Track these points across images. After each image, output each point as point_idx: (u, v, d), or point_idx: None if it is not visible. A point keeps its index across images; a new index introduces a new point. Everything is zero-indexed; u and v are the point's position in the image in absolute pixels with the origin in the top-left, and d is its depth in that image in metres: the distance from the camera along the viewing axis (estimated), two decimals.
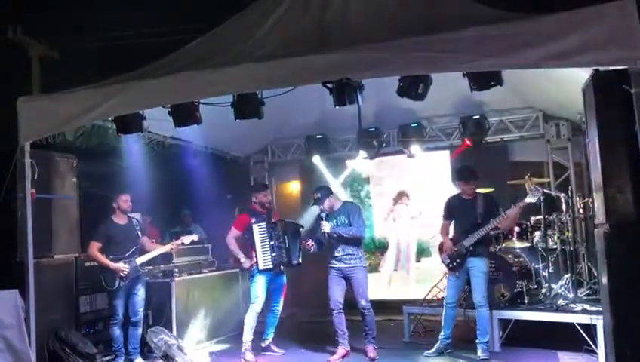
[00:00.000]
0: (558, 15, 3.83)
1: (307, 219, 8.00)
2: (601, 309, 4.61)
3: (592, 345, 5.27)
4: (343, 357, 5.77)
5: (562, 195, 6.63)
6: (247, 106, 4.93)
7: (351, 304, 5.88)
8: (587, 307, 5.66)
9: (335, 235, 5.73)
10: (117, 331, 5.73)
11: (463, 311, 6.01)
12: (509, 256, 6.51)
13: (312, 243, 5.88)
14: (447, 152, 8.20)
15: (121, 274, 5.65)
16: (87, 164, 6.38)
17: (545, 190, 6.32)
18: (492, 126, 7.66)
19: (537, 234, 6.52)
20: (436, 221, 6.38)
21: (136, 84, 4.81)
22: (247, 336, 5.98)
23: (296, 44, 4.63)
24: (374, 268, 8.66)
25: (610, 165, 3.87)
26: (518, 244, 6.49)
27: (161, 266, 6.62)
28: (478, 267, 5.51)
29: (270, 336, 6.25)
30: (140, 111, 5.15)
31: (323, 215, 5.82)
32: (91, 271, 5.95)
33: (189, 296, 6.66)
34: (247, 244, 6.15)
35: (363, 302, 5.73)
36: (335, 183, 8.52)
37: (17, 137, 5.00)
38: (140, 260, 5.83)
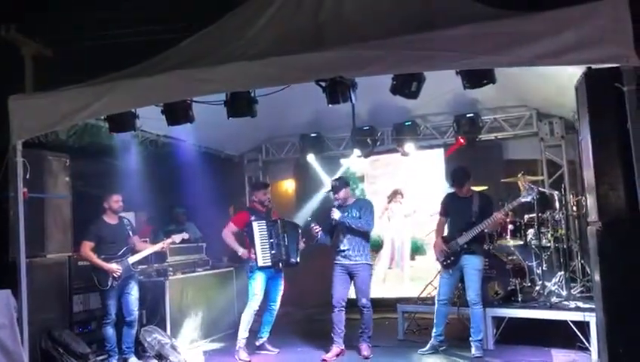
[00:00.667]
0: (551, 13, 3.84)
1: (312, 206, 8.06)
2: (594, 306, 4.63)
3: (585, 342, 5.29)
4: (337, 355, 5.77)
5: (556, 193, 6.66)
6: (240, 105, 4.91)
7: (350, 303, 5.88)
8: (580, 304, 5.69)
9: (344, 224, 5.72)
10: (110, 331, 5.72)
11: (456, 308, 6.03)
12: (503, 253, 6.53)
13: (319, 228, 5.83)
14: (441, 150, 8.21)
15: (114, 274, 5.64)
16: (80, 162, 6.35)
17: (539, 188, 6.34)
18: (486, 124, 7.69)
19: (531, 231, 6.54)
20: (430, 219, 6.40)
21: (128, 82, 4.79)
22: (243, 333, 5.98)
23: (290, 42, 4.62)
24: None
25: (603, 163, 3.88)
26: (511, 242, 6.50)
27: (155, 265, 6.60)
28: (473, 264, 5.52)
29: (265, 335, 6.24)
30: (133, 110, 5.13)
31: (336, 203, 5.82)
32: (84, 271, 5.93)
33: (183, 294, 6.65)
34: (246, 242, 6.14)
35: (364, 301, 5.73)
36: (329, 182, 8.51)
37: (9, 136, 4.97)
38: (131, 260, 5.81)
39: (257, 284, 6.00)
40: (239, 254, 6.14)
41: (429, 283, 6.94)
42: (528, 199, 5.55)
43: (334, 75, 4.33)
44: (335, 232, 5.85)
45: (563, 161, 7.49)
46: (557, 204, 6.58)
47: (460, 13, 4.37)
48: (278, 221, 6.17)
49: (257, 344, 6.21)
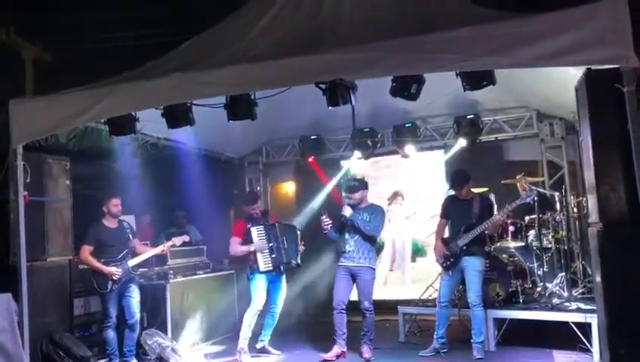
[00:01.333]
0: (550, 14, 3.85)
1: (313, 208, 8.09)
2: (595, 308, 4.63)
3: (587, 344, 5.28)
4: (337, 356, 5.75)
5: (556, 194, 6.65)
6: (240, 107, 4.91)
7: (352, 305, 5.86)
8: (582, 306, 5.67)
9: (353, 223, 5.70)
10: (111, 334, 5.71)
11: (457, 310, 6.02)
12: (504, 255, 6.52)
13: (329, 221, 5.80)
14: (441, 152, 8.20)
15: (114, 277, 5.63)
16: (80, 165, 6.33)
17: (539, 189, 6.34)
18: (486, 125, 7.68)
19: (532, 233, 6.53)
20: (431, 221, 6.39)
21: (128, 85, 4.80)
22: (245, 333, 5.95)
23: (290, 44, 4.62)
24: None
25: (603, 164, 3.89)
26: (512, 244, 6.49)
27: (156, 268, 6.59)
28: (474, 266, 5.52)
29: (266, 338, 6.22)
30: (133, 113, 5.13)
31: (350, 202, 5.80)
32: (85, 274, 5.92)
33: (183, 297, 6.64)
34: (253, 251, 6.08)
35: (366, 304, 5.71)
36: (330, 183, 8.53)
37: (9, 139, 4.97)
38: (131, 263, 5.80)
39: (259, 286, 5.98)
40: (251, 250, 5.95)
41: (430, 284, 6.94)
42: (528, 200, 5.56)
43: (334, 78, 4.33)
44: (342, 232, 5.84)
45: (563, 162, 7.48)
46: (558, 205, 6.57)
47: (459, 15, 4.38)
48: (276, 224, 6.16)
49: (258, 347, 6.19)
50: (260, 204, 6.46)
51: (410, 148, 7.79)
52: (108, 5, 9.73)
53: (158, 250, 6.05)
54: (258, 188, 9.10)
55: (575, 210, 6.98)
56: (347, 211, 5.72)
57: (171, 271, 6.62)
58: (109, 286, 5.65)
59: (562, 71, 4.32)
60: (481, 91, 4.71)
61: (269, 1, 5.14)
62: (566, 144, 7.44)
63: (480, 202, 5.61)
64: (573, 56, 3.77)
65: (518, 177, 6.35)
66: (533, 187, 5.86)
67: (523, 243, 6.51)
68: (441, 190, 7.87)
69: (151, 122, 5.41)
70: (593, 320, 5.07)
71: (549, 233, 6.47)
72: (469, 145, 7.45)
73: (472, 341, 5.51)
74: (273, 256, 5.99)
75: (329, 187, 8.47)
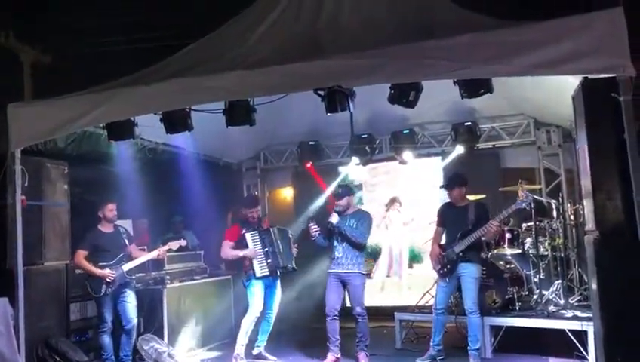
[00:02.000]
0: (548, 23, 3.88)
1: (310, 213, 8.04)
2: (591, 315, 4.64)
3: (583, 352, 5.28)
4: None
5: (553, 202, 6.67)
6: (238, 113, 4.92)
7: (345, 311, 5.88)
8: (578, 313, 5.68)
9: (339, 231, 5.73)
10: (106, 339, 5.69)
11: (454, 317, 6.02)
12: (500, 262, 6.54)
13: (317, 228, 5.83)
14: (439, 159, 8.22)
15: (107, 280, 5.62)
16: (79, 170, 6.34)
17: (536, 196, 6.36)
18: (484, 133, 7.70)
19: (528, 240, 6.54)
20: (429, 227, 6.40)
21: (127, 90, 4.80)
22: (242, 339, 5.94)
23: (289, 50, 4.64)
24: (367, 275, 8.63)
25: (600, 172, 3.91)
26: (509, 251, 6.50)
27: (153, 273, 6.58)
28: (470, 273, 5.52)
29: (262, 344, 6.20)
30: (132, 118, 5.14)
31: (337, 209, 5.82)
32: (82, 279, 5.90)
33: (180, 302, 6.63)
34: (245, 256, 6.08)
35: (359, 309, 5.72)
36: (328, 189, 8.53)
37: (8, 143, 4.97)
38: (126, 267, 5.78)
39: (257, 292, 5.98)
40: (244, 254, 5.96)
41: (427, 291, 6.94)
42: (523, 206, 5.57)
43: (333, 84, 4.35)
44: (331, 239, 5.85)
45: (560, 170, 7.51)
46: (554, 213, 6.58)
47: (457, 23, 4.41)
48: (271, 229, 6.17)
49: (255, 353, 6.18)
50: (259, 210, 6.46)
51: (407, 155, 7.80)
52: (107, 9, 9.74)
53: (153, 255, 6.02)
54: (256, 193, 9.10)
55: (572, 217, 7.00)
56: (334, 218, 5.75)
57: (168, 276, 6.61)
58: (103, 290, 5.63)
59: (559, 79, 4.34)
60: (478, 98, 4.73)
61: (268, 7, 5.17)
62: (563, 152, 7.47)
63: (475, 209, 5.62)
64: (570, 65, 3.80)
65: (519, 185, 6.36)
66: (528, 193, 5.86)
67: (520, 251, 6.52)
68: (438, 196, 7.89)
69: (150, 127, 5.43)
70: (589, 328, 5.07)
71: (545, 240, 6.48)
72: (467, 152, 7.47)
73: (468, 348, 5.50)
74: (269, 261, 5.99)
75: (327, 193, 8.48)
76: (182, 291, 6.70)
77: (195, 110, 5.00)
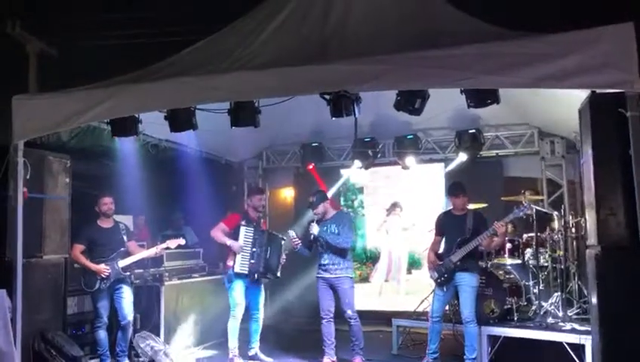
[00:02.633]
0: (557, 36, 3.84)
1: (303, 223, 7.99)
2: (590, 329, 4.62)
3: None
4: None
5: (555, 213, 6.65)
6: (244, 114, 4.93)
7: (339, 314, 5.86)
8: (576, 326, 5.66)
9: (322, 241, 5.74)
10: (102, 334, 5.68)
11: (452, 325, 6.01)
12: (500, 272, 6.51)
13: (298, 241, 5.85)
14: (441, 165, 8.22)
15: (102, 275, 5.61)
16: (81, 164, 6.33)
17: (537, 207, 6.34)
18: (487, 141, 7.69)
19: (529, 251, 6.53)
20: (429, 234, 6.38)
21: (132, 87, 4.77)
22: (232, 343, 5.96)
23: (295, 53, 4.62)
24: (365, 279, 8.67)
25: (604, 187, 3.89)
26: (509, 261, 6.49)
27: (151, 270, 6.56)
28: (468, 282, 5.51)
29: (256, 344, 6.19)
30: (136, 114, 5.13)
31: (315, 217, 5.83)
32: (80, 273, 5.90)
33: (178, 300, 6.62)
34: (229, 250, 6.05)
35: (349, 312, 5.72)
36: (329, 192, 8.50)
37: (11, 135, 4.96)
38: (122, 263, 5.75)
39: (238, 293, 5.96)
40: (230, 245, 5.94)
41: (425, 298, 6.91)
42: (520, 214, 5.56)
43: (339, 89, 4.33)
44: (315, 246, 5.87)
45: (563, 181, 7.49)
46: (556, 224, 6.57)
47: (465, 32, 4.38)
48: (266, 232, 6.15)
49: (250, 354, 6.17)
50: (264, 198, 6.42)
51: (410, 160, 7.79)
52: (115, 5, 9.75)
53: (150, 252, 5.99)
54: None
55: (573, 230, 6.97)
56: (314, 229, 5.75)
57: (166, 273, 6.60)
58: (97, 285, 5.62)
59: (565, 91, 4.32)
60: None
61: (275, 9, 5.14)
62: (566, 163, 7.45)
63: (474, 217, 5.62)
64: (577, 78, 3.76)
65: (523, 194, 6.34)
66: (530, 204, 5.83)
67: (520, 261, 6.51)
68: (439, 203, 7.89)
69: (153, 123, 5.42)
70: (587, 341, 5.06)
71: (546, 251, 6.46)
72: (470, 160, 7.46)
73: (464, 357, 5.49)
74: (252, 261, 5.96)
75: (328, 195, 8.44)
76: (180, 289, 6.69)
77: (200, 109, 5.00)
